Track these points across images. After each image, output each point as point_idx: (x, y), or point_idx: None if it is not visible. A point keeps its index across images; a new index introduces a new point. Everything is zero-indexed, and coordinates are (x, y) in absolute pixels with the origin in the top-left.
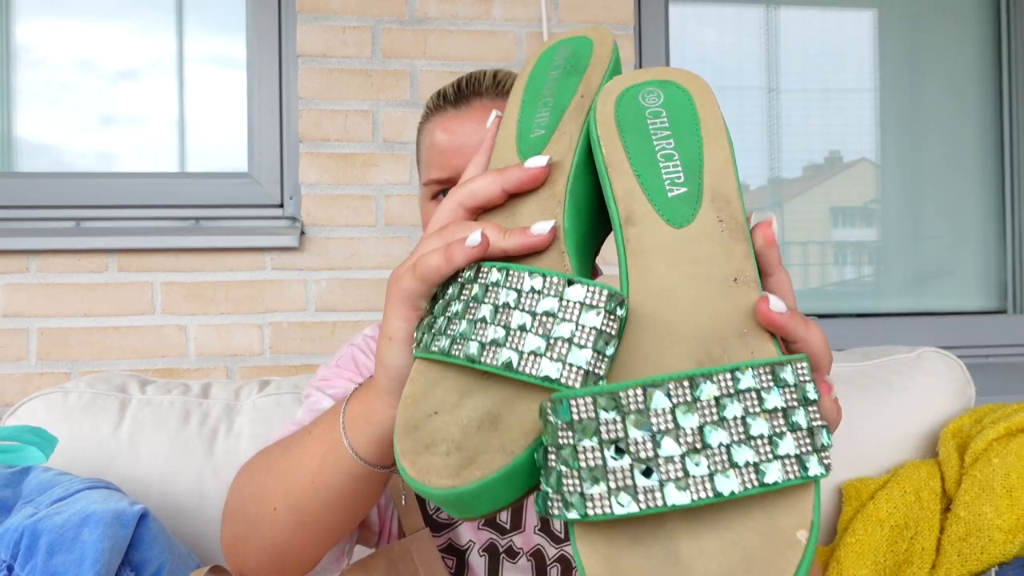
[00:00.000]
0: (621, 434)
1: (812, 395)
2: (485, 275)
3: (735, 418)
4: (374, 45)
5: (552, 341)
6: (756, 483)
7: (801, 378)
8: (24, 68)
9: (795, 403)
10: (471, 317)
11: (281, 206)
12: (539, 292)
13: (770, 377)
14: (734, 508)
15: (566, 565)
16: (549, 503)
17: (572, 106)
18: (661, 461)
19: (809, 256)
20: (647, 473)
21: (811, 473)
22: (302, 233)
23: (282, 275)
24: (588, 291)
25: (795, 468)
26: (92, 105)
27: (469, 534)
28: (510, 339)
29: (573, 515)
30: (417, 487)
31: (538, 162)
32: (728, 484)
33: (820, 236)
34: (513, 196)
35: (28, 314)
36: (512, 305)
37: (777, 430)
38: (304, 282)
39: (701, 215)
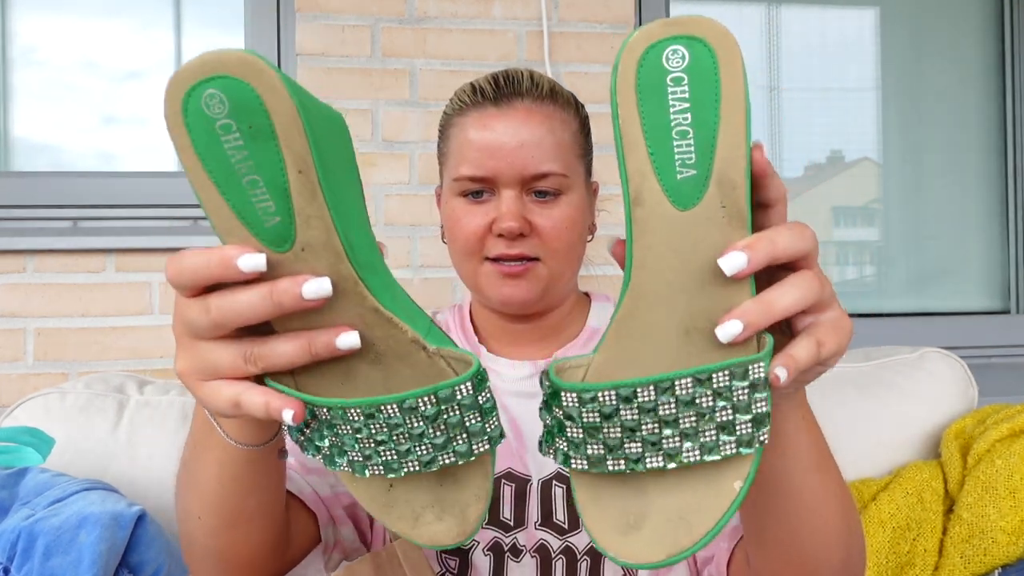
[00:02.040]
0: (635, 420)
1: (762, 392)
2: (359, 414)
3: (702, 415)
4: (373, 44)
5: (442, 445)
6: (702, 458)
7: (755, 376)
8: (21, 67)
9: (745, 398)
10: (336, 446)
11: None
12: (443, 403)
13: (727, 380)
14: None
15: (571, 557)
16: (567, 457)
17: (295, 186)
18: (646, 442)
19: None
20: (635, 447)
21: (750, 451)
22: None
23: None
24: (459, 389)
25: (734, 448)
26: (90, 104)
27: None
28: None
29: (582, 466)
30: (432, 547)
31: (322, 290)
32: (687, 456)
33: (822, 236)
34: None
35: (25, 314)
36: (358, 435)
37: (727, 419)
38: None
39: (706, 199)
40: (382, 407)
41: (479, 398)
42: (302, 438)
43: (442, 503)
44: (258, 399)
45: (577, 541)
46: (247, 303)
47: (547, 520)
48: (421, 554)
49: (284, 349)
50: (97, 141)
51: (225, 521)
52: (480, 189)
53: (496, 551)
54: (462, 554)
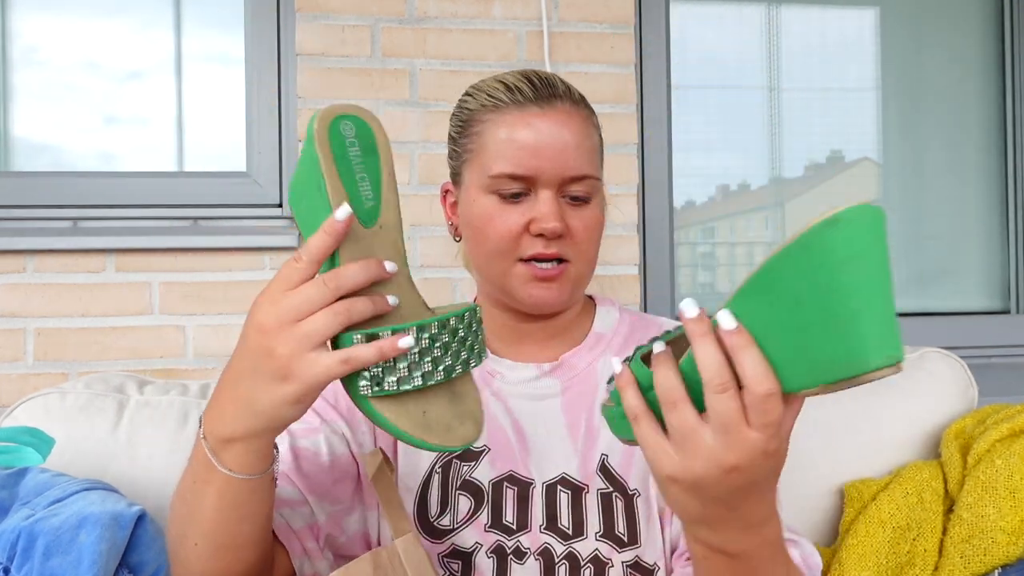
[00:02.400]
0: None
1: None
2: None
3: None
4: (373, 44)
5: (457, 354)
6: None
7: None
8: (20, 67)
9: (447, 338)
10: (414, 361)
11: (280, 206)
12: (439, 334)
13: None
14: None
15: (574, 563)
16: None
17: (385, 181)
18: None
19: None
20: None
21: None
22: (301, 233)
23: None
24: (455, 320)
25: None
26: (89, 104)
27: (475, 536)
28: (438, 362)
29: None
30: (462, 447)
31: (393, 267)
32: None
33: None
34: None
35: (25, 314)
36: (428, 347)
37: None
38: None
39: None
40: (433, 324)
41: (479, 328)
42: (377, 371)
43: (460, 415)
44: (369, 349)
45: (581, 548)
46: (352, 272)
47: (551, 524)
48: (423, 553)
49: (357, 294)
50: (98, 141)
51: (221, 546)
52: (517, 188)
53: (499, 554)
54: (465, 557)
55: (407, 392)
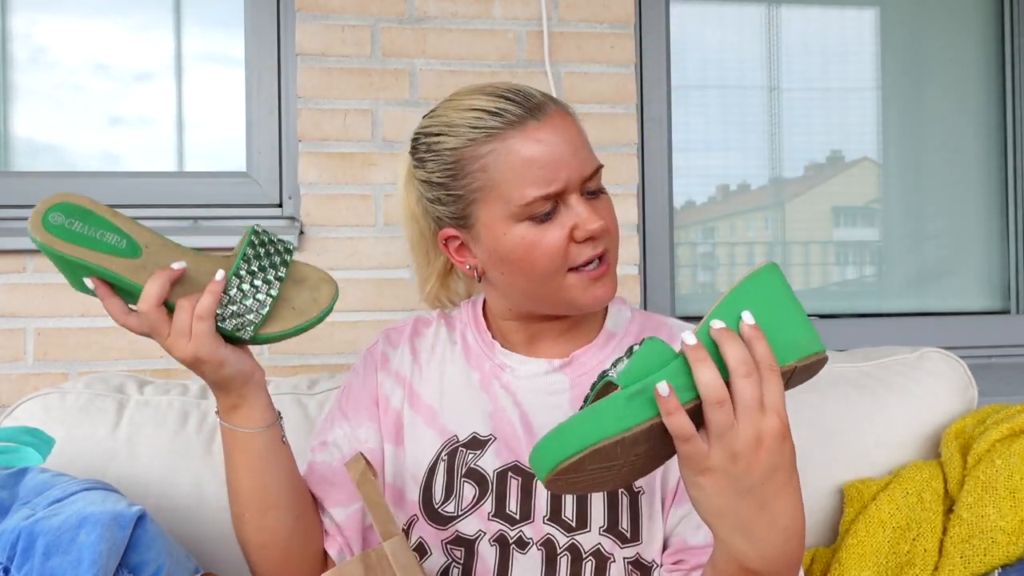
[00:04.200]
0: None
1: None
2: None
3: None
4: (373, 44)
5: (273, 262)
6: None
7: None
8: (20, 66)
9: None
10: (254, 292)
11: (280, 206)
12: (249, 263)
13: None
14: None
15: (576, 555)
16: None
17: (115, 220)
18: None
19: (811, 256)
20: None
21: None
22: (301, 233)
23: None
24: (250, 249)
25: (276, 282)
26: (88, 104)
27: (478, 524)
28: (266, 277)
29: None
30: (333, 300)
31: (180, 265)
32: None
33: (822, 236)
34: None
35: (25, 314)
36: (249, 274)
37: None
38: None
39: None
40: (239, 260)
41: (265, 233)
42: (243, 315)
43: (313, 287)
44: (207, 297)
45: (584, 540)
46: (208, 302)
47: (556, 516)
48: (410, 554)
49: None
50: (98, 141)
51: (259, 508)
52: (549, 207)
53: (501, 543)
54: (468, 544)
55: (271, 311)
